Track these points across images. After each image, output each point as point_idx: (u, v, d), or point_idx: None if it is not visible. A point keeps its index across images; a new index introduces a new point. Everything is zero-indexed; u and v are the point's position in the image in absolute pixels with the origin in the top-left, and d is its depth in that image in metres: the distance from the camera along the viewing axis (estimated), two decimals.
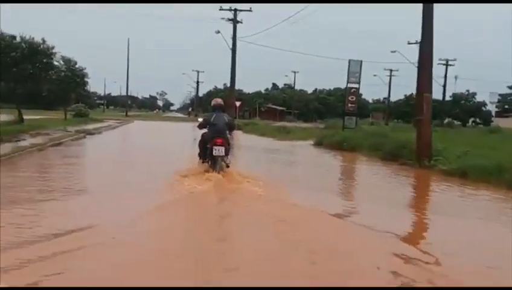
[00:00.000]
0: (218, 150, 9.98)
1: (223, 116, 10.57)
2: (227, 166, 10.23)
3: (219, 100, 11.28)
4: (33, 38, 25.75)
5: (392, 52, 51.25)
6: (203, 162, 10.61)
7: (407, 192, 11.82)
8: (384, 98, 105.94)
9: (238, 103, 40.45)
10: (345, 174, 15.74)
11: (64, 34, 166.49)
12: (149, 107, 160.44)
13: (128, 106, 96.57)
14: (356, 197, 11.04)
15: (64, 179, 10.52)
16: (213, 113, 10.63)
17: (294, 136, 28.87)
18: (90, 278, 4.40)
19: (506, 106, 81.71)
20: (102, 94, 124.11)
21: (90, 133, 24.63)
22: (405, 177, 13.98)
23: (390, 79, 71.47)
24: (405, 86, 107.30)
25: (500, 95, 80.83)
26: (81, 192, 9.14)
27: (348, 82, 25.47)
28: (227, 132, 10.57)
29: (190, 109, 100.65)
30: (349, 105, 25.38)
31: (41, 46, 25.90)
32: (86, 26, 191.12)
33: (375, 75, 71.76)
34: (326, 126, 41.81)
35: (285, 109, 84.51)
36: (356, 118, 25.60)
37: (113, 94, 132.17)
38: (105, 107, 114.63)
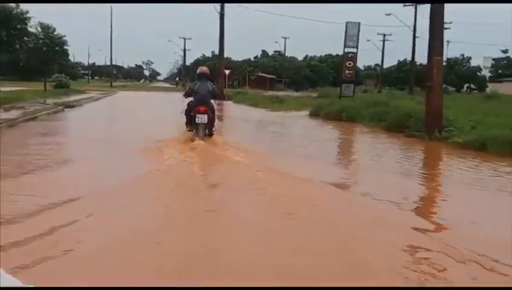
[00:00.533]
0: (201, 118, 10.18)
1: (206, 84, 10.72)
2: (211, 134, 10.55)
3: (204, 68, 11.34)
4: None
5: (386, 15, 49.13)
6: (189, 130, 10.72)
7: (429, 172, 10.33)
8: (376, 65, 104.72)
9: (227, 72, 38.61)
10: (346, 148, 14.33)
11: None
12: (135, 77, 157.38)
13: (113, 76, 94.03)
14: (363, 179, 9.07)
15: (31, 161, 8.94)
16: (197, 82, 10.84)
17: (288, 107, 27.37)
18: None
19: (500, 71, 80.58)
20: (86, 64, 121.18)
21: (69, 105, 22.89)
22: (419, 151, 12.67)
23: (383, 44, 69.52)
24: (399, 52, 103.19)
25: (493, 59, 79.60)
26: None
27: (345, 46, 23.80)
28: (212, 100, 10.82)
29: (177, 79, 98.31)
30: (347, 72, 23.77)
31: (15, 11, 23.95)
32: None
33: (368, 40, 69.82)
34: (320, 95, 40.47)
35: (276, 77, 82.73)
36: (354, 86, 24.02)
37: (98, 64, 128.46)
38: (89, 77, 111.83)
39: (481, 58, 76.53)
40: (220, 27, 39.63)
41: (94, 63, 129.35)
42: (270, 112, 25.46)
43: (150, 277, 3.76)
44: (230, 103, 33.93)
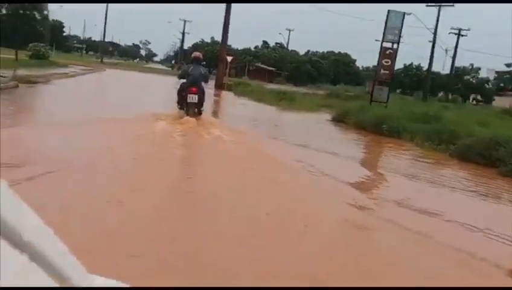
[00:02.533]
0: (192, 98, 10.78)
1: (199, 68, 11.21)
2: (200, 113, 11.08)
3: (197, 53, 11.92)
4: None
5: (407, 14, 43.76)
6: (180, 108, 11.19)
7: None
8: (375, 66, 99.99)
9: (229, 58, 33.24)
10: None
11: None
12: (131, 56, 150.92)
13: (107, 52, 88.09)
14: None
15: None
16: (191, 65, 11.36)
17: (299, 106, 22.21)
18: None
19: (502, 84, 76.48)
20: (82, 38, 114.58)
21: (32, 81, 17.46)
22: None
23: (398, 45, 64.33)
24: (406, 55, 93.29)
25: (496, 72, 75.59)
26: None
27: (383, 40, 18.62)
28: (203, 82, 11.18)
29: (173, 62, 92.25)
30: (382, 71, 18.60)
31: None
32: None
33: (377, 40, 64.86)
34: (330, 93, 35.45)
35: (275, 69, 77.41)
36: (389, 90, 18.83)
37: (94, 39, 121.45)
38: (83, 51, 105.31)
39: (484, 70, 72.63)
40: (226, 14, 34.04)
41: (90, 38, 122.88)
42: (281, 111, 20.28)
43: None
44: (230, 94, 28.60)
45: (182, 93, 10.99)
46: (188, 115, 10.68)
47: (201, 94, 10.95)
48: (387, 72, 18.61)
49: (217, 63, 44.29)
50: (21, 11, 25.04)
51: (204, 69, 11.50)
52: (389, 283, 3.68)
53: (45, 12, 25.99)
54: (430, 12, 43.67)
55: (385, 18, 18.29)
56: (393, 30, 18.22)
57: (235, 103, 23.35)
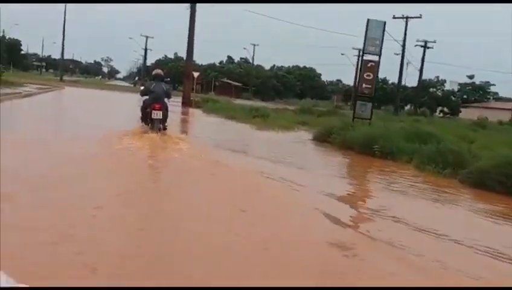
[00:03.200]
0: (156, 114, 11.00)
1: (161, 85, 11.53)
2: (165, 128, 11.38)
3: (159, 71, 12.24)
4: None
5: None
6: (145, 124, 11.49)
7: None
8: (338, 80, 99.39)
9: (196, 74, 31.32)
10: None
11: None
12: (93, 73, 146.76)
13: (69, 70, 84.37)
14: None
15: None
16: (152, 82, 11.71)
17: (273, 123, 20.50)
18: None
19: (465, 96, 77.42)
20: (41, 56, 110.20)
21: None
22: None
23: (379, 57, 63.45)
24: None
25: (459, 84, 76.52)
26: None
27: (363, 52, 17.09)
28: (166, 99, 11.60)
29: (136, 78, 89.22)
30: (364, 85, 17.00)
31: None
32: None
33: (342, 54, 64.09)
34: (302, 109, 33.97)
35: (242, 84, 75.83)
36: (372, 105, 17.31)
37: (54, 57, 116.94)
38: (43, 70, 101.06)
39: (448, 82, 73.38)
40: (190, 26, 31.99)
41: (50, 56, 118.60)
42: (257, 130, 18.50)
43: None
44: (199, 111, 26.69)
45: (146, 110, 11.28)
46: (153, 130, 10.96)
47: (165, 110, 11.33)
48: (369, 86, 17.05)
49: (182, 79, 42.31)
50: None
51: (166, 86, 11.87)
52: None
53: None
54: (396, 24, 43.50)
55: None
56: (373, 41, 16.72)
57: (206, 122, 21.50)
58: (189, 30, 31.85)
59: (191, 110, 27.55)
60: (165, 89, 11.50)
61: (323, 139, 15.66)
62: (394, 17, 41.10)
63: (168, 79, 17.22)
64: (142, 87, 12.97)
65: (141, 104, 11.79)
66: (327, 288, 3.59)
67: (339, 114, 29.53)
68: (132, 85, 76.63)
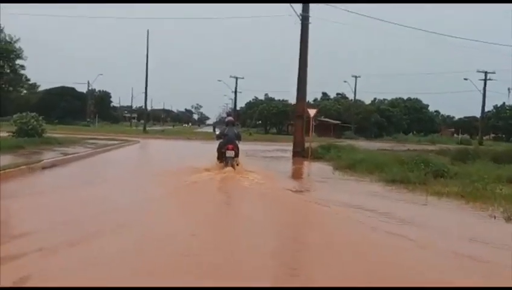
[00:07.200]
0: (230, 153, 12.51)
1: (233, 129, 13.26)
2: (237, 164, 12.67)
3: (230, 118, 13.96)
4: None
5: None
6: (220, 162, 12.75)
7: None
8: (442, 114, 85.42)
9: (312, 111, 21.05)
10: None
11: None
12: (184, 121, 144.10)
13: (161, 119, 79.11)
14: None
15: None
16: (226, 127, 13.29)
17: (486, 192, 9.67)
18: None
19: None
20: (133, 107, 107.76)
21: None
22: None
23: (485, 84, 50.60)
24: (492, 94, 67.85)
25: None
26: None
27: None
28: (237, 141, 12.99)
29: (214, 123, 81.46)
30: None
31: None
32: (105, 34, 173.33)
33: (466, 79, 51.48)
34: (459, 152, 22.38)
35: (340, 122, 65.21)
36: None
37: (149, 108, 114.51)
38: (133, 120, 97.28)
39: None
40: (301, 56, 21.76)
41: (141, 107, 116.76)
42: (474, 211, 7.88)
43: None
44: (327, 171, 15.91)
45: (222, 150, 12.78)
46: (227, 166, 12.40)
47: (237, 149, 12.79)
48: None
49: (280, 120, 32.42)
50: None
51: (237, 129, 13.86)
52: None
53: (17, 53, 19.45)
54: None
55: None
56: None
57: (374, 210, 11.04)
58: (300, 58, 21.66)
59: (309, 165, 17.44)
60: (236, 132, 13.25)
61: None
62: None
63: (238, 124, 18.55)
64: (217, 132, 13.93)
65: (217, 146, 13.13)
66: (327, 288, 3.66)
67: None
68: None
